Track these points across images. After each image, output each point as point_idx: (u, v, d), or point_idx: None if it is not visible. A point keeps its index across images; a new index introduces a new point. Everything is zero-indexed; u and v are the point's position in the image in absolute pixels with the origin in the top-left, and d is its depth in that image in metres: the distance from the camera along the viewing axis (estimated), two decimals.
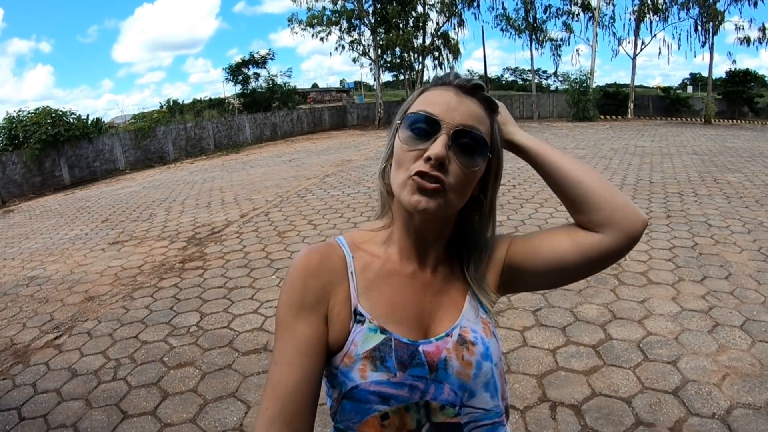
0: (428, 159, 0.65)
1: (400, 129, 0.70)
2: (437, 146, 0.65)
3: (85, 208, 9.53)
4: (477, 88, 0.70)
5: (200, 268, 4.88)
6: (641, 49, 27.76)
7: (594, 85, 26.78)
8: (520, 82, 50.27)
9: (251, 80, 28.80)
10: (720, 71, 34.31)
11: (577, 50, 36.97)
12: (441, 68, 28.30)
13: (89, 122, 16.51)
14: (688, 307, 3.35)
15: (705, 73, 28.77)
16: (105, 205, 9.64)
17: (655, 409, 2.35)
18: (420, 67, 27.46)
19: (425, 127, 0.67)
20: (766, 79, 30.66)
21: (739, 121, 26.88)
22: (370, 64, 27.87)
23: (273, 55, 30.60)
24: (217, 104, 28.38)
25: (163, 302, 4.04)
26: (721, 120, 26.82)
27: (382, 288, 0.73)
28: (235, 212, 7.43)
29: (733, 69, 29.28)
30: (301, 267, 0.70)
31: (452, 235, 0.77)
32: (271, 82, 28.90)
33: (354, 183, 9.10)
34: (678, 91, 32.25)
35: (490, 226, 0.77)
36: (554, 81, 39.63)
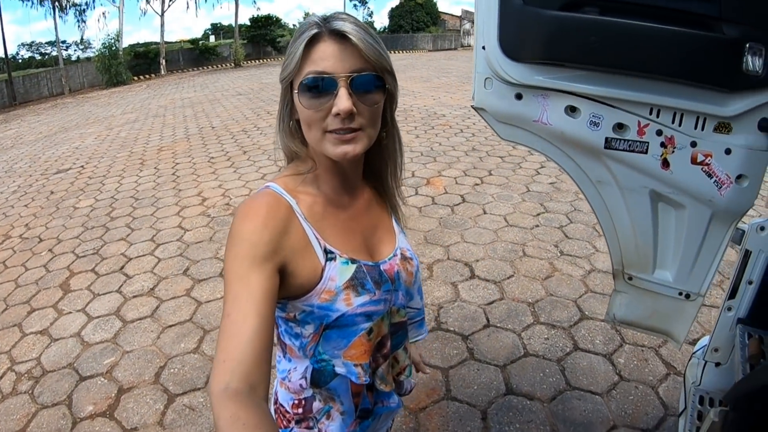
0: (337, 114, 0.68)
1: (299, 96, 0.70)
2: (342, 101, 0.67)
3: None
4: (348, 32, 0.68)
5: None
6: (170, 5, 27.57)
7: (123, 47, 25.17)
8: (38, 57, 42.95)
9: None
10: (243, 18, 38.80)
11: (103, 13, 34.48)
12: None
13: None
14: None
15: (225, 22, 31.52)
16: None
17: None
18: None
19: (322, 86, 0.68)
20: (282, 21, 37.61)
21: (264, 60, 31.24)
22: None
23: None
24: None
25: None
26: (250, 61, 30.45)
27: (333, 224, 0.79)
28: None
29: (256, 15, 33.91)
30: (252, 219, 0.68)
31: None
32: None
33: None
34: (203, 42, 34.06)
35: (396, 137, 0.84)
36: (76, 50, 35.50)
